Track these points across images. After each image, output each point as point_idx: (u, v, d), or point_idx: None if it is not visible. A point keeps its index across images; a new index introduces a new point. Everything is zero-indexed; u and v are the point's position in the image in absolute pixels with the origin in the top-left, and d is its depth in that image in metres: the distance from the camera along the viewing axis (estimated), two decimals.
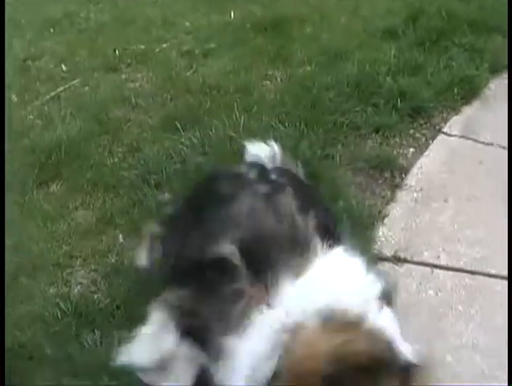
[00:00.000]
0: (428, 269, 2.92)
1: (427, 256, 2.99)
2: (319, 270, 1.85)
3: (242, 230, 1.96)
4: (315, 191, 2.67)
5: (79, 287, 2.68)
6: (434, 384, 1.72)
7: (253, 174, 2.25)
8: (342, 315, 1.68)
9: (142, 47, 4.69)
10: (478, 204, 3.37)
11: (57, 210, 3.17)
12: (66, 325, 2.48)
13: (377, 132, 3.70)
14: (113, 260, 2.82)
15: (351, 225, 2.87)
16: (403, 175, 3.48)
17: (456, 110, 4.15)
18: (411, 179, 3.48)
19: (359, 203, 3.13)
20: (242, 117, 3.63)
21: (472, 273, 2.92)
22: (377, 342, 1.66)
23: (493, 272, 2.93)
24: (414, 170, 3.57)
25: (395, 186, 3.38)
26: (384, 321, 1.79)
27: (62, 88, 4.28)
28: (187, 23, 5.04)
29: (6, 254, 2.39)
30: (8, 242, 2.52)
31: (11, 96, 4.08)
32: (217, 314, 1.88)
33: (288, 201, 2.07)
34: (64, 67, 4.58)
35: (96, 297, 2.60)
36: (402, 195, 3.35)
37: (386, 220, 3.15)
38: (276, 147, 2.85)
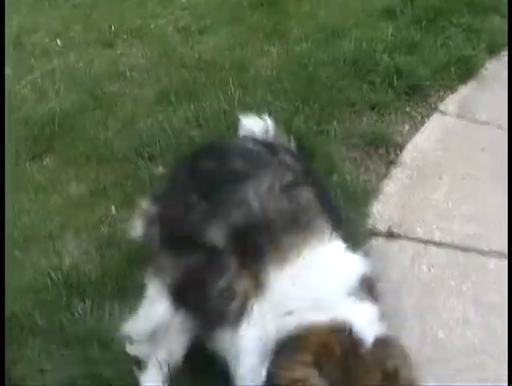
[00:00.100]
0: (422, 245, 2.91)
1: (420, 233, 2.98)
2: (313, 262, 1.85)
3: (249, 211, 1.94)
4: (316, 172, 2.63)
5: (70, 258, 2.67)
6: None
7: (265, 153, 2.20)
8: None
9: (138, 22, 4.65)
10: (473, 182, 3.36)
11: (50, 182, 3.16)
12: (57, 295, 2.47)
13: (372, 109, 3.68)
14: (105, 232, 2.81)
15: (345, 200, 2.85)
16: (398, 152, 3.46)
17: (452, 89, 4.12)
18: (406, 156, 3.46)
19: (353, 179, 3.11)
20: (237, 92, 3.61)
21: (466, 249, 2.91)
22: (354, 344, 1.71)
23: (486, 249, 2.93)
24: (409, 147, 3.55)
25: (390, 163, 3.36)
26: (361, 316, 1.79)
27: (57, 63, 4.24)
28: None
29: None
30: None
31: (5, 70, 4.03)
32: (214, 287, 1.87)
33: (305, 192, 2.05)
34: (58, 42, 4.54)
35: (87, 268, 2.59)
36: (396, 172, 3.34)
37: (380, 196, 3.14)
38: (270, 121, 2.84)
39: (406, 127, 3.72)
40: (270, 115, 2.96)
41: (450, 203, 3.19)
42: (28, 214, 2.86)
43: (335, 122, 3.48)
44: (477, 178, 3.38)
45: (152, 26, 4.62)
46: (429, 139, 3.66)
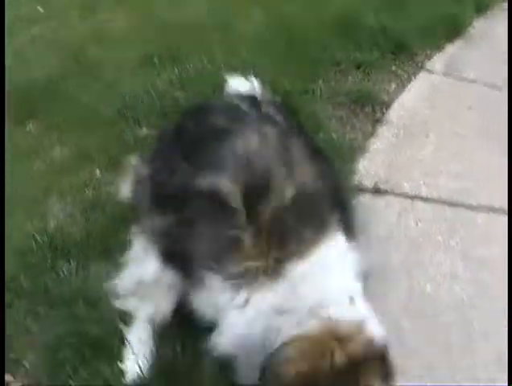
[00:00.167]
0: (408, 201, 2.91)
1: (407, 189, 2.97)
2: (322, 258, 1.79)
3: (249, 173, 1.86)
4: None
5: (55, 221, 2.64)
6: None
7: (250, 109, 2.13)
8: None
9: None
10: (460, 140, 3.35)
11: (33, 148, 3.12)
12: (42, 258, 2.45)
13: (358, 68, 3.66)
14: (90, 195, 2.78)
15: (331, 157, 2.83)
16: (384, 111, 3.44)
17: (439, 48, 4.11)
18: (393, 115, 3.45)
19: (339, 137, 3.10)
20: (221, 54, 3.57)
21: (453, 204, 2.91)
22: (366, 346, 1.68)
23: (474, 204, 2.92)
24: (396, 105, 3.53)
25: (376, 122, 3.35)
26: (365, 318, 1.76)
27: (39, 29, 4.17)
28: None
29: None
30: None
31: None
32: (207, 248, 1.85)
33: (300, 152, 1.97)
34: (40, 9, 4.47)
35: (72, 230, 2.56)
36: (383, 130, 3.32)
37: (366, 154, 3.13)
38: (255, 82, 2.81)
39: (393, 86, 3.70)
40: (255, 76, 2.93)
41: (437, 161, 3.18)
42: (12, 179, 2.82)
43: (320, 81, 3.45)
44: (464, 136, 3.37)
45: None
46: (416, 97, 3.65)
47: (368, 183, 2.96)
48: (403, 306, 2.40)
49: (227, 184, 1.83)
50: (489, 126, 3.42)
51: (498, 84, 3.81)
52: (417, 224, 2.78)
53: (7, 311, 2.23)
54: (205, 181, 1.86)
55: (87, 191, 2.80)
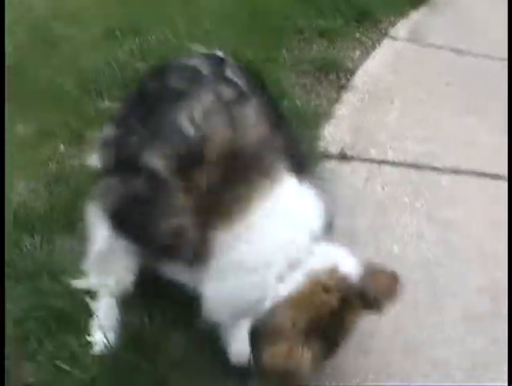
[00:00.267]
0: (375, 166, 2.91)
1: (373, 154, 2.98)
2: (277, 206, 1.75)
3: (188, 145, 1.77)
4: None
5: (18, 196, 2.59)
6: None
7: (209, 71, 2.01)
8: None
9: None
10: (424, 105, 3.36)
11: None
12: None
13: (321, 36, 3.65)
14: (53, 169, 2.73)
15: (296, 124, 2.82)
16: (349, 77, 3.44)
17: (403, 15, 4.13)
18: (357, 81, 3.45)
19: (304, 104, 3.09)
20: (184, 25, 3.53)
21: (419, 167, 2.92)
22: (340, 283, 1.70)
23: (440, 166, 2.93)
24: (360, 72, 3.53)
25: (341, 88, 3.34)
26: (334, 255, 1.77)
27: None
28: None
29: None
30: None
31: None
32: (156, 233, 1.79)
33: (254, 112, 1.87)
34: None
35: (35, 204, 2.52)
36: (348, 96, 3.32)
37: (331, 120, 3.12)
38: (219, 52, 2.76)
39: (357, 53, 3.70)
40: (217, 46, 2.89)
41: (402, 125, 3.20)
42: None
43: (284, 50, 3.44)
44: (428, 101, 3.38)
45: None
46: (380, 64, 3.65)
47: (334, 150, 2.95)
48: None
49: (163, 162, 1.76)
50: (453, 91, 3.43)
51: (463, 49, 3.82)
52: (383, 188, 2.78)
53: None
54: (147, 156, 1.80)
55: (50, 166, 2.75)
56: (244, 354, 1.79)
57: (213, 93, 1.87)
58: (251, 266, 1.72)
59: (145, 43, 3.38)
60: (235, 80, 1.99)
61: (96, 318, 2.02)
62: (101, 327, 2.00)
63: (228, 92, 1.89)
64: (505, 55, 3.77)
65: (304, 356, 1.65)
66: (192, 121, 1.78)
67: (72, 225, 2.36)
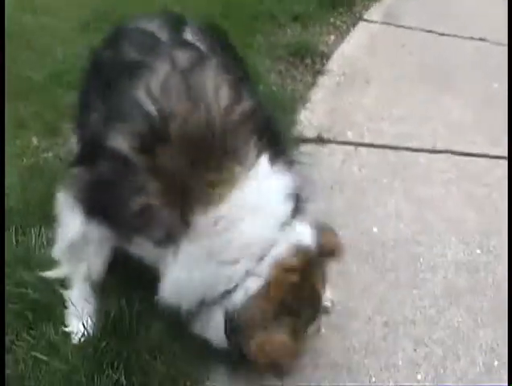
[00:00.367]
0: (352, 148, 2.90)
1: (350, 136, 2.98)
2: (247, 197, 1.70)
3: (148, 123, 1.68)
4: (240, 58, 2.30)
5: None
6: None
7: (167, 36, 1.89)
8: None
9: None
10: (399, 85, 3.38)
11: None
12: None
13: (296, 21, 3.62)
14: (28, 163, 2.70)
15: (272, 109, 2.80)
16: (324, 61, 3.44)
17: None
18: (333, 65, 3.45)
19: (279, 89, 3.07)
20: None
21: (396, 148, 2.92)
22: (300, 259, 1.73)
23: (415, 146, 2.94)
24: (336, 56, 3.54)
25: (317, 72, 3.34)
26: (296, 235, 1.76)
27: None
28: None
29: None
30: None
31: None
32: (124, 215, 1.74)
33: (213, 80, 1.75)
34: None
35: (10, 199, 2.49)
36: (324, 80, 3.32)
37: (308, 104, 3.12)
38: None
39: (332, 37, 3.70)
40: None
41: (379, 107, 3.20)
42: None
43: (258, 35, 3.42)
44: (404, 81, 3.39)
45: None
46: (355, 47, 3.67)
47: (311, 133, 2.95)
48: (351, 249, 2.39)
49: (127, 142, 1.69)
50: (427, 71, 3.45)
51: (436, 30, 3.83)
52: (360, 170, 2.78)
53: None
54: (110, 135, 1.72)
55: (25, 160, 2.72)
56: (217, 339, 1.80)
57: (169, 62, 1.77)
58: (221, 260, 1.70)
59: None
60: (194, 42, 1.89)
61: (72, 307, 1.99)
62: (78, 316, 1.97)
63: (184, 59, 1.78)
64: (477, 35, 3.84)
65: (283, 340, 1.71)
66: (150, 95, 1.70)
67: (48, 217, 2.32)
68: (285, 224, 1.73)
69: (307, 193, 1.86)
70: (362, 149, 2.90)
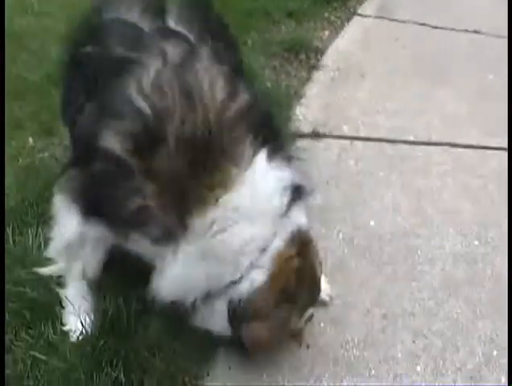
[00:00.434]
0: (347, 142, 2.90)
1: (346, 130, 2.98)
2: (246, 196, 1.68)
3: (142, 123, 1.65)
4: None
5: None
6: None
7: (150, 26, 1.83)
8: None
9: None
10: (394, 79, 3.38)
11: None
12: None
13: (290, 17, 3.62)
14: (24, 163, 2.70)
15: (267, 106, 2.80)
16: (319, 57, 3.44)
17: None
18: (327, 60, 3.45)
19: (274, 85, 3.07)
20: None
21: (392, 141, 2.91)
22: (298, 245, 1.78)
23: (411, 139, 2.93)
24: (330, 51, 3.54)
25: (312, 68, 3.34)
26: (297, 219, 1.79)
27: None
28: None
29: None
30: None
31: None
32: (121, 214, 1.73)
33: (207, 73, 1.71)
34: None
35: (7, 198, 2.49)
36: (318, 75, 3.32)
37: (303, 100, 3.12)
38: None
39: (326, 32, 3.70)
40: None
41: (373, 101, 3.20)
42: None
43: (252, 32, 3.41)
44: (398, 74, 3.39)
45: None
46: (349, 42, 3.67)
47: (306, 129, 2.94)
48: (348, 243, 2.39)
49: (120, 143, 1.65)
50: (421, 64, 3.45)
51: (430, 23, 3.84)
52: (356, 164, 2.77)
53: None
54: (103, 136, 1.68)
55: (20, 160, 2.71)
56: (220, 329, 1.81)
57: (160, 57, 1.72)
58: (223, 257, 1.70)
59: None
60: (180, 30, 1.85)
61: (69, 306, 1.99)
62: (76, 314, 1.97)
63: (176, 53, 1.73)
64: (471, 27, 3.86)
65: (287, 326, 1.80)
66: (142, 93, 1.65)
67: (44, 217, 2.33)
68: (283, 216, 1.74)
69: (305, 185, 1.84)
70: (358, 143, 2.90)
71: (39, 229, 2.28)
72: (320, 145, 2.86)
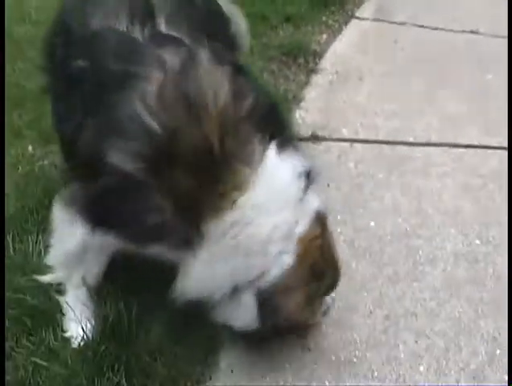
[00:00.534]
0: (347, 145, 2.90)
1: (345, 133, 2.98)
2: (262, 191, 1.69)
3: (151, 139, 1.63)
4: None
5: None
6: None
7: (142, 34, 1.80)
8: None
9: None
10: (392, 81, 3.38)
11: None
12: None
13: (287, 21, 3.62)
14: (23, 171, 2.70)
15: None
16: (317, 60, 3.45)
17: None
18: (326, 63, 3.46)
19: (273, 89, 3.07)
20: None
21: (391, 142, 2.91)
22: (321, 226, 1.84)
23: (410, 140, 2.93)
24: (328, 54, 3.55)
25: (310, 71, 3.34)
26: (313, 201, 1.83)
27: None
28: None
29: None
30: None
31: None
32: (136, 229, 1.74)
33: (209, 78, 1.68)
34: None
35: (7, 206, 2.49)
36: (317, 79, 3.32)
37: (302, 103, 3.12)
38: None
39: (324, 36, 3.71)
40: None
41: (372, 102, 3.20)
42: None
43: (250, 37, 3.40)
44: (397, 76, 3.39)
45: None
46: (347, 45, 3.67)
47: (306, 132, 2.94)
48: (349, 245, 2.39)
49: (130, 162, 1.64)
50: (420, 65, 3.46)
51: (427, 25, 3.84)
52: (356, 166, 2.77)
53: None
54: (109, 154, 1.66)
55: (20, 168, 2.72)
56: (247, 321, 1.81)
57: (158, 67, 1.69)
58: (251, 250, 1.71)
59: None
60: (173, 34, 1.82)
61: (70, 312, 1.98)
62: (76, 321, 1.96)
63: (175, 62, 1.70)
64: (468, 27, 3.86)
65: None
66: (148, 107, 1.63)
67: (44, 224, 2.33)
68: (301, 200, 1.76)
69: (314, 167, 1.85)
70: (357, 146, 2.90)
71: (39, 236, 2.28)
72: (320, 148, 2.86)
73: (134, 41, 1.79)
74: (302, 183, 1.76)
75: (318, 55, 3.45)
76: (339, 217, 2.51)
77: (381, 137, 2.94)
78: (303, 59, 3.39)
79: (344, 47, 3.59)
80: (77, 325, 1.97)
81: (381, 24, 3.86)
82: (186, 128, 1.63)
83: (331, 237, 1.89)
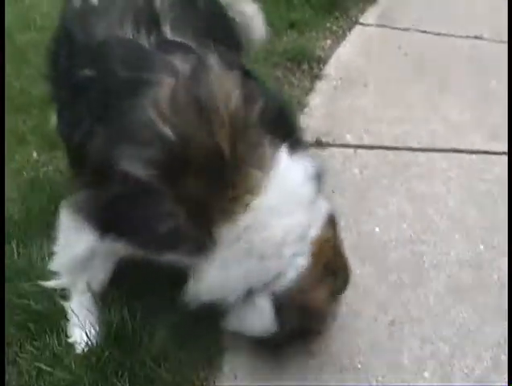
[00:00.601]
0: (351, 151, 2.90)
1: (349, 139, 2.98)
2: (275, 194, 1.70)
3: (164, 146, 1.64)
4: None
5: None
6: None
7: (149, 41, 1.81)
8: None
9: None
10: (396, 86, 3.38)
11: None
12: None
13: (291, 27, 3.62)
14: (28, 177, 2.71)
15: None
16: (322, 66, 3.45)
17: (371, 1, 4.12)
18: (330, 69, 3.46)
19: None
20: None
21: (395, 148, 2.91)
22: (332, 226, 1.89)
23: (415, 146, 2.93)
24: (332, 60, 3.55)
25: (314, 77, 3.34)
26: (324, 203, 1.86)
27: None
28: None
29: None
30: None
31: None
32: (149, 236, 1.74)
33: (220, 83, 1.69)
34: None
35: (11, 212, 2.49)
36: (321, 85, 3.32)
37: (306, 109, 3.12)
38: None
39: (328, 42, 3.71)
40: None
41: (377, 109, 3.20)
42: None
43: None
44: (401, 82, 3.39)
45: None
46: (352, 51, 3.67)
47: (310, 138, 2.93)
48: (354, 251, 2.38)
49: (143, 169, 1.65)
50: (423, 71, 3.47)
51: (431, 30, 3.85)
52: (361, 172, 2.77)
53: None
54: (121, 161, 1.67)
55: (25, 174, 2.72)
56: (262, 325, 1.81)
57: (169, 73, 1.71)
58: (265, 252, 1.72)
59: None
60: (180, 40, 1.84)
61: (74, 318, 1.98)
62: (80, 326, 1.96)
63: (184, 67, 1.71)
64: (472, 33, 3.86)
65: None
66: (162, 116, 1.64)
67: (49, 230, 2.33)
68: (313, 203, 1.78)
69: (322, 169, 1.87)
70: (362, 152, 2.89)
71: (44, 242, 2.28)
72: (324, 155, 2.85)
73: (142, 48, 1.80)
74: (314, 185, 1.78)
75: (322, 61, 3.45)
76: (343, 223, 2.48)
77: (385, 143, 2.93)
78: (308, 65, 3.39)
79: (348, 53, 3.59)
80: (81, 330, 1.97)
81: (385, 30, 3.86)
82: (198, 132, 1.64)
83: (341, 239, 1.91)
